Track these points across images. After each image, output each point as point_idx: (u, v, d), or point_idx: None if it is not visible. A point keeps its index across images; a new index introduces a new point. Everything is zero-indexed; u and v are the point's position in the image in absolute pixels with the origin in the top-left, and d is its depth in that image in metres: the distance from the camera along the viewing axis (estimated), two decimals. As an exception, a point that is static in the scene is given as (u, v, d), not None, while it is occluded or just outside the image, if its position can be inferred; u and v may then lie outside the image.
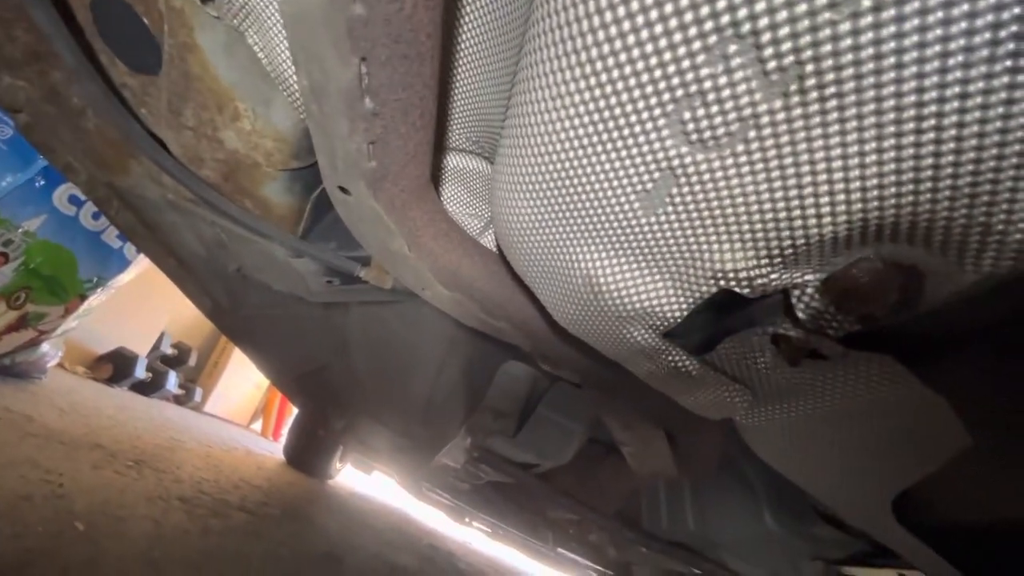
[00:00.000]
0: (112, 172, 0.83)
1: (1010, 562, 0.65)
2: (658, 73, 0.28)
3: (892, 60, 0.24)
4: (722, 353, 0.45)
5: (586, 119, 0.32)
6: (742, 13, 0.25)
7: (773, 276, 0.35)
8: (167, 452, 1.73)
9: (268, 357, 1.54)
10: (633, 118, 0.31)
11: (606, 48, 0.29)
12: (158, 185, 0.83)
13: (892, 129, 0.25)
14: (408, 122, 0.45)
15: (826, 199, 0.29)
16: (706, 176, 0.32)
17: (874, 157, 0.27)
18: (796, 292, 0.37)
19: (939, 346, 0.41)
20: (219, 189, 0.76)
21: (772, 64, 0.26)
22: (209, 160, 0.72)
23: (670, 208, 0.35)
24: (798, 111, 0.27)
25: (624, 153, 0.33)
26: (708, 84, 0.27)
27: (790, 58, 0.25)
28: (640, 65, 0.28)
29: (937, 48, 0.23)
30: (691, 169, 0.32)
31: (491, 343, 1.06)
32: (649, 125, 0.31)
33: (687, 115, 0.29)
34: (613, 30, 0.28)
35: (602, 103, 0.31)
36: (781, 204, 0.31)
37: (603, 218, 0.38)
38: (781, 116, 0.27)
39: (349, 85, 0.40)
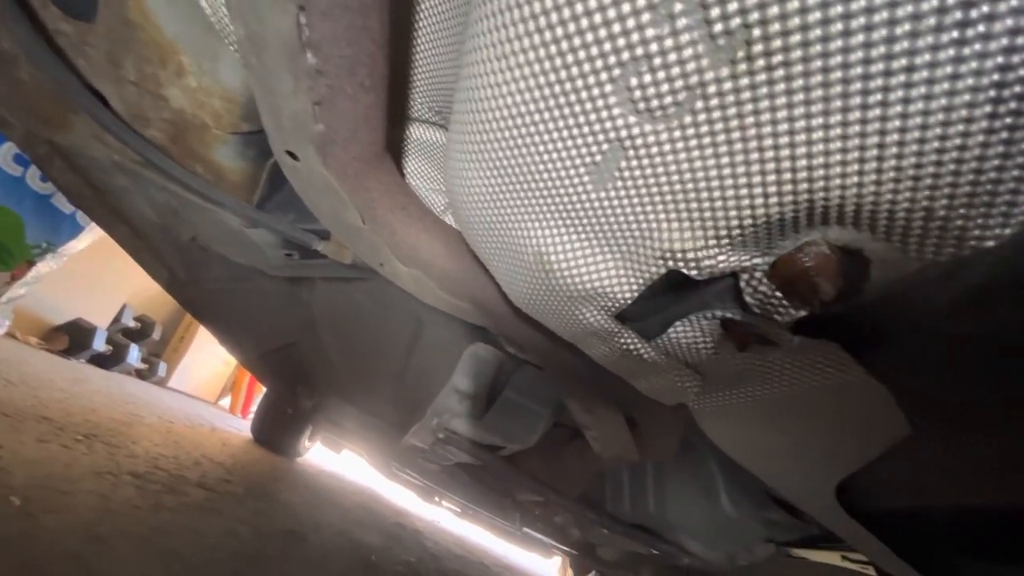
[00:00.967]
0: (52, 128, 0.77)
1: (944, 545, 0.68)
2: (603, 33, 0.26)
3: (839, 27, 0.22)
4: (673, 337, 0.45)
5: (531, 82, 0.30)
6: None
7: (721, 258, 0.34)
8: (123, 427, 1.68)
9: (231, 333, 1.50)
10: (579, 82, 0.29)
11: (549, 3, 0.27)
12: (103, 145, 0.78)
13: (838, 104, 0.24)
14: (355, 82, 0.42)
15: (772, 178, 0.28)
16: (654, 150, 0.30)
17: (820, 134, 0.26)
18: (745, 276, 0.37)
19: (887, 334, 0.41)
20: (167, 152, 0.71)
21: (719, 27, 0.24)
22: (155, 120, 0.68)
23: (619, 183, 0.33)
24: (745, 81, 0.25)
25: (572, 122, 0.31)
26: (654, 47, 0.26)
27: (736, 20, 0.23)
28: (584, 23, 0.26)
29: (883, 28, 0.22)
30: (639, 142, 0.30)
31: (460, 324, 1.05)
32: (596, 91, 0.29)
33: (634, 81, 0.27)
34: (559, -16, 0.26)
35: (547, 64, 0.29)
36: (729, 182, 0.30)
37: (553, 191, 0.37)
38: (728, 86, 0.26)
39: (288, 36, 0.37)
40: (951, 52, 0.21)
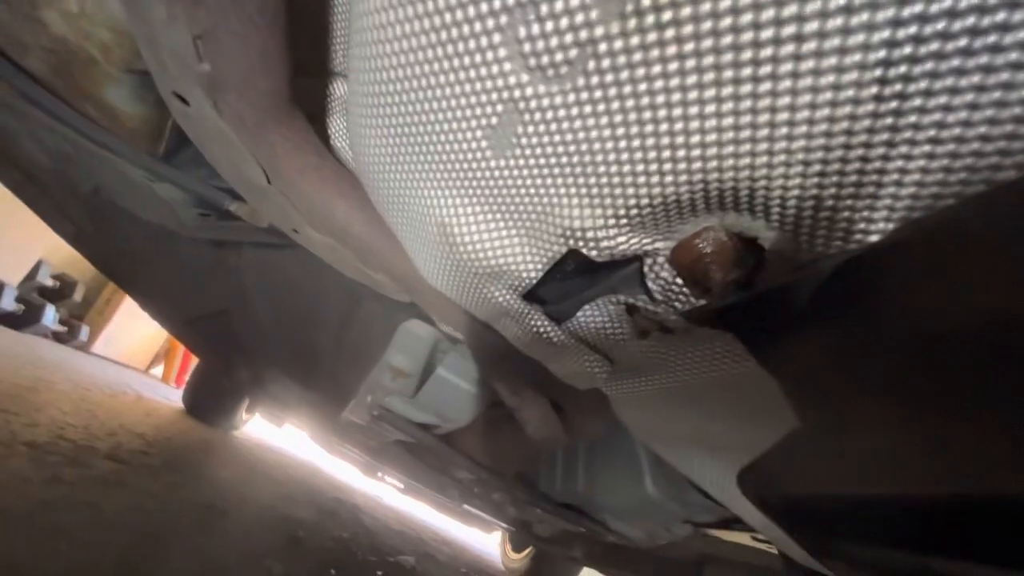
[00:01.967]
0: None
1: (839, 532, 0.71)
2: (484, -30, 0.23)
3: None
4: (582, 321, 0.43)
5: (417, 25, 0.27)
6: None
7: (620, 239, 0.33)
8: (27, 392, 1.54)
9: (150, 296, 1.39)
10: (466, 28, 0.26)
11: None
12: (-24, 73, 0.68)
13: (729, 75, 0.22)
14: (243, 16, 0.37)
15: (667, 154, 0.26)
16: (549, 115, 0.28)
17: (712, 108, 0.24)
18: (648, 261, 0.35)
19: (786, 326, 0.41)
20: (50, 86, 0.63)
21: (606, -28, 0.22)
22: (34, 47, 0.59)
23: (518, 151, 0.31)
24: (636, 40, 0.23)
25: (463, 75, 0.28)
26: (539, -10, 0.23)
27: (621, -35, 0.21)
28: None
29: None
30: (534, 104, 0.28)
31: (391, 298, 1.01)
32: (484, 40, 0.26)
33: (522, 31, 0.25)
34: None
35: (431, 4, 0.26)
36: (624, 156, 0.28)
37: (453, 156, 0.34)
38: (619, 44, 0.23)
39: (151, -50, 0.32)
40: (839, 21, 0.19)
